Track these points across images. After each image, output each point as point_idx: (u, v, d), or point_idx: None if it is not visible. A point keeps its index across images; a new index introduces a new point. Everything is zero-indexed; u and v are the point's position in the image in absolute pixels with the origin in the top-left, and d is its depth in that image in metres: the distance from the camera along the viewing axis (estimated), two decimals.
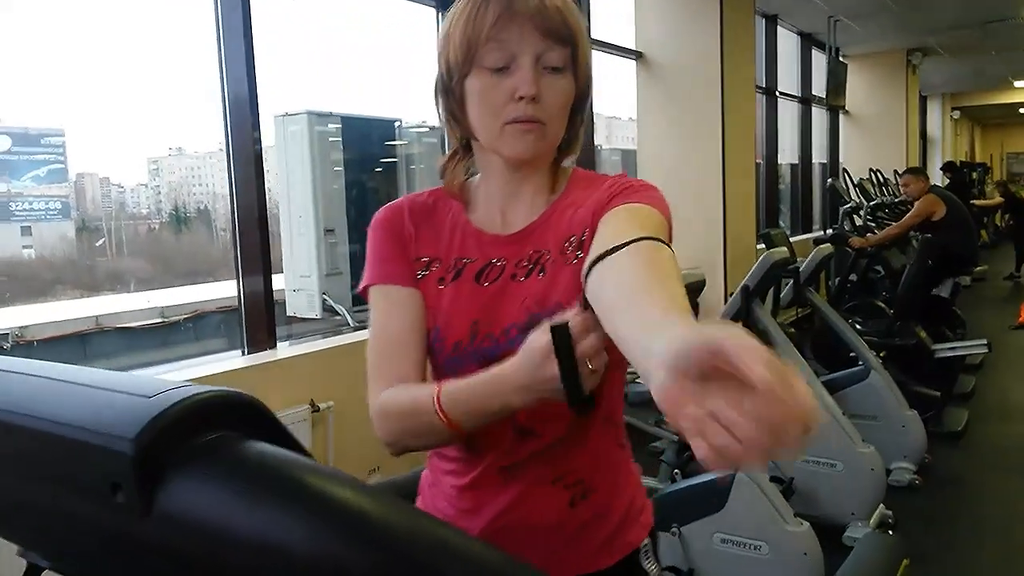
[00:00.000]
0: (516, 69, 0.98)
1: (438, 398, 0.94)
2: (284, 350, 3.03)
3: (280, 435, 0.43)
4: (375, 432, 1.01)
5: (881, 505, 3.23)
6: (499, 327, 1.01)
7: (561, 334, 0.82)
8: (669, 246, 0.90)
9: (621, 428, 1.11)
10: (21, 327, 4.44)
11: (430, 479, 1.13)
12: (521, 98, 0.98)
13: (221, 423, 0.41)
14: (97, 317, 5.13)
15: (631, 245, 0.83)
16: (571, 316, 0.83)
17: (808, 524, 2.57)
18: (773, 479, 3.06)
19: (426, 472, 1.14)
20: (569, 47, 1.00)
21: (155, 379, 0.44)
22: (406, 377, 1.02)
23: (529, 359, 0.84)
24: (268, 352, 2.99)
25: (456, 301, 1.04)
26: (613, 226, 0.93)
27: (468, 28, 0.98)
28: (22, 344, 4.29)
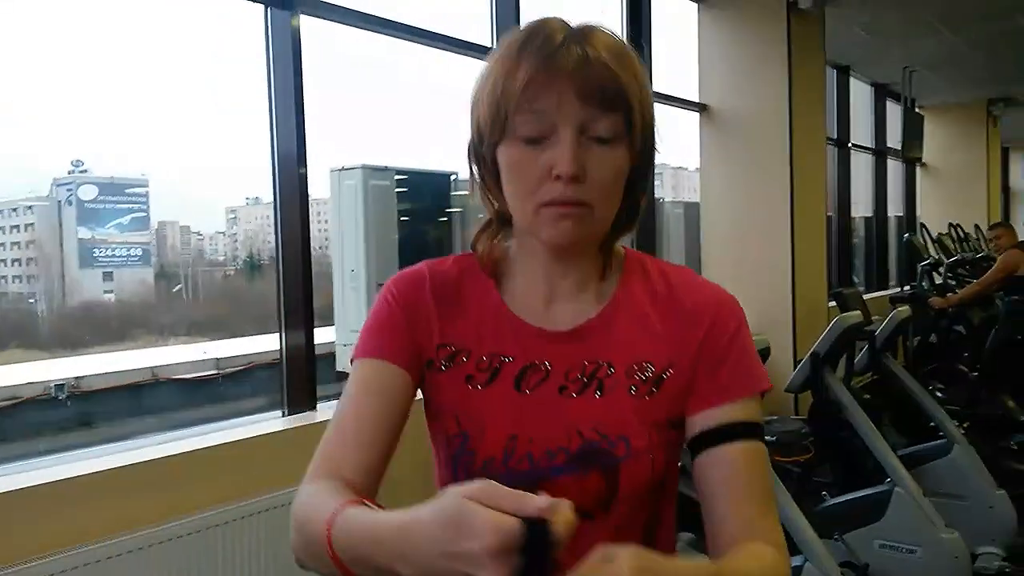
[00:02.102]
0: (555, 141, 0.82)
1: (329, 524, 0.71)
2: (325, 412, 2.93)
3: None
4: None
5: None
6: (540, 448, 0.85)
7: (540, 536, 0.54)
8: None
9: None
10: (77, 377, 4.48)
11: None
12: (559, 177, 0.81)
13: None
14: (153, 368, 5.17)
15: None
16: (565, 512, 0.55)
17: None
18: (846, 565, 2.81)
19: None
20: (621, 111, 0.82)
21: None
22: (350, 476, 0.81)
23: (459, 526, 0.56)
24: (308, 414, 2.88)
25: (491, 409, 0.87)
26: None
27: (497, 92, 0.83)
28: (77, 395, 4.32)
